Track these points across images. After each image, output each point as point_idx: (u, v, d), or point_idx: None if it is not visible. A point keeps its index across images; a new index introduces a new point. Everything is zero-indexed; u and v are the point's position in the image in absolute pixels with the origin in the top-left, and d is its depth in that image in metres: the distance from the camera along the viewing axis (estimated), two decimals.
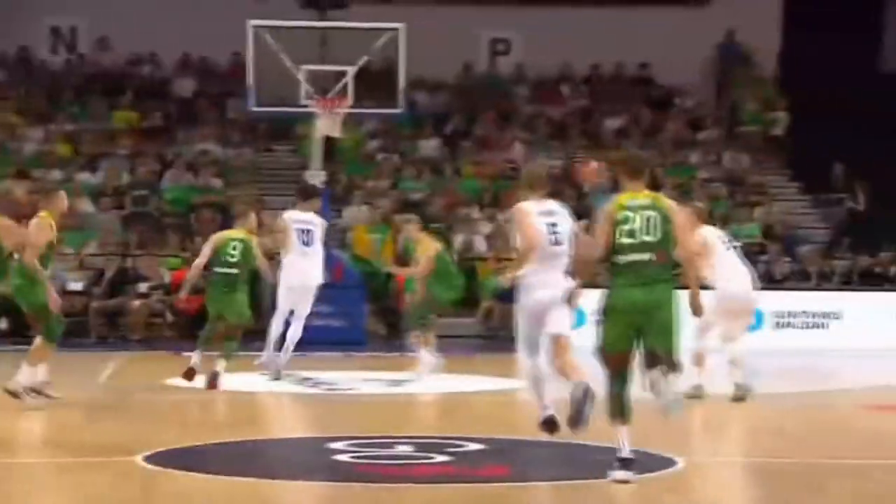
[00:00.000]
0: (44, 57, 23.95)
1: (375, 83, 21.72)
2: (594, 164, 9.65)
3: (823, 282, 19.41)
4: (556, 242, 8.38)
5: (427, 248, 13.00)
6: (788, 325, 17.73)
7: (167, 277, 18.11)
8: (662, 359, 7.50)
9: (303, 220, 12.74)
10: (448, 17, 23.57)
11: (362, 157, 22.09)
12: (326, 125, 16.22)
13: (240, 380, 12.89)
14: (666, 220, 7.61)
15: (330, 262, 15.43)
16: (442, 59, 23.39)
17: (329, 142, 18.05)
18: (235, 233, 12.51)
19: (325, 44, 16.77)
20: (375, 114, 20.47)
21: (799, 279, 19.44)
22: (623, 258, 7.57)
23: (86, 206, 20.04)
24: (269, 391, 12.20)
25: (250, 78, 16.41)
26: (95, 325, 17.48)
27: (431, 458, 8.18)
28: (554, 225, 8.43)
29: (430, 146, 22.60)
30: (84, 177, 20.93)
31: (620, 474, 7.54)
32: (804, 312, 17.76)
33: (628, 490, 7.48)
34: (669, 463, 8.14)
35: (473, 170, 21.76)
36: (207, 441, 9.00)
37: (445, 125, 23.39)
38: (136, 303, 17.48)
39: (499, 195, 21.03)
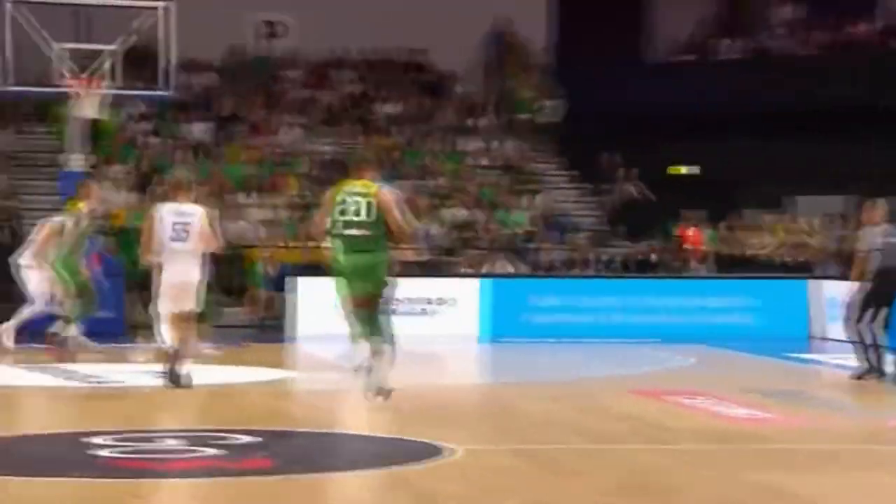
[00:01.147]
0: None
1: (140, 63, 21.25)
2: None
3: (598, 269, 20.03)
4: (178, 239, 11.14)
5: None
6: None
7: None
8: (372, 304, 10.25)
9: None
10: None
11: (125, 141, 21.52)
12: (86, 106, 15.73)
13: None
14: (372, 204, 10.16)
15: (88, 249, 14.98)
16: (211, 40, 23.04)
17: (91, 125, 17.54)
18: None
19: (85, 21, 16.27)
20: (140, 95, 20.00)
21: (571, 267, 20.00)
22: (342, 232, 10.21)
23: None
24: (22, 384, 11.76)
25: (5, 54, 15.75)
26: None
27: (199, 451, 8.05)
28: (184, 223, 11.17)
29: (198, 129, 22.22)
30: None
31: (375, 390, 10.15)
32: None
33: (400, 479, 7.56)
34: (442, 451, 8.25)
35: (243, 154, 21.51)
36: None
37: (214, 108, 23.04)
38: None
39: (269, 181, 20.90)
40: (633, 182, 22.43)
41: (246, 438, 8.60)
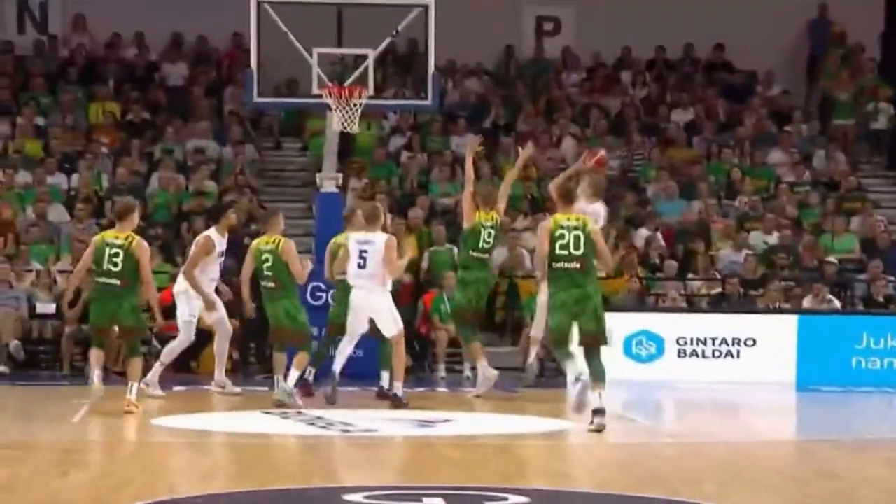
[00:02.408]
0: (10, 38, 24.18)
1: (400, 69, 21.87)
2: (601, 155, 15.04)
3: None
4: (363, 266, 13.68)
5: None
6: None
7: None
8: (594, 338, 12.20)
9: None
10: None
11: (384, 157, 22.18)
12: (342, 119, 16.30)
13: (241, 420, 13.01)
14: (589, 236, 12.14)
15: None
16: (479, 41, 23.50)
17: (345, 139, 18.16)
18: (265, 241, 14.18)
19: (341, 23, 16.85)
20: (400, 105, 20.57)
21: None
22: (557, 265, 12.16)
23: (58, 214, 20.23)
24: (274, 433, 12.30)
25: (254, 63, 16.49)
26: (69, 353, 17.64)
27: None
28: (364, 252, 13.67)
29: (463, 143, 22.67)
30: (56, 180, 21.13)
31: (597, 420, 11.94)
32: None
33: None
34: None
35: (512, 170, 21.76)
36: (201, 492, 9.09)
37: (482, 119, 23.47)
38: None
39: (545, 200, 21.09)
40: None
41: (515, 499, 8.75)
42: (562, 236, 12.15)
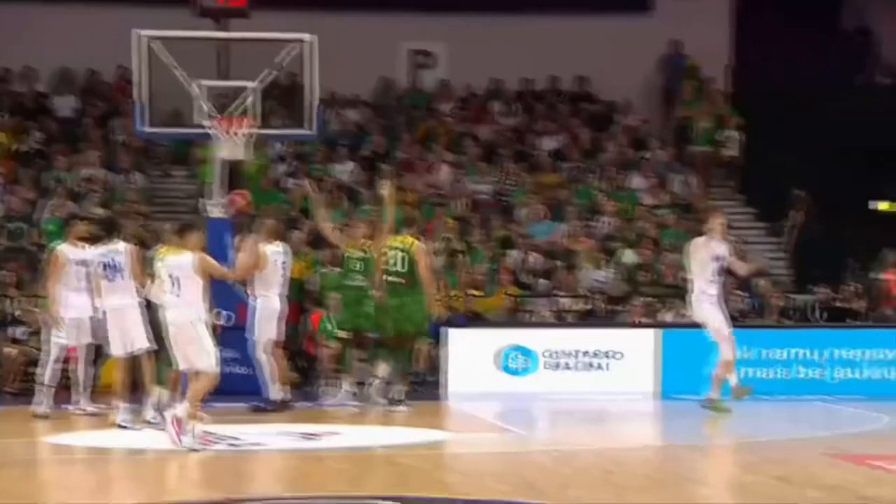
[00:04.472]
0: None
1: (283, 101, 21.68)
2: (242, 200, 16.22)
3: (783, 318, 19.63)
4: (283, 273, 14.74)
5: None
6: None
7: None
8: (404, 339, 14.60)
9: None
10: (364, 26, 23.63)
11: (270, 184, 21.97)
12: (228, 148, 16.11)
13: (134, 436, 12.74)
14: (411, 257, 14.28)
15: (231, 301, 15.30)
16: (357, 74, 23.43)
17: (232, 167, 17.95)
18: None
19: (224, 57, 16.67)
20: (284, 136, 20.39)
21: (757, 315, 19.62)
22: (387, 278, 14.33)
23: None
24: (163, 448, 12.05)
25: (137, 95, 16.24)
26: None
27: None
28: (284, 262, 14.78)
29: (345, 170, 22.58)
30: None
31: (399, 408, 14.49)
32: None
33: None
34: None
35: (395, 196, 21.69)
36: None
37: (362, 147, 23.39)
38: (11, 350, 17.23)
39: (423, 223, 21.07)
40: (816, 219, 21.90)
41: None
42: (392, 256, 14.30)
